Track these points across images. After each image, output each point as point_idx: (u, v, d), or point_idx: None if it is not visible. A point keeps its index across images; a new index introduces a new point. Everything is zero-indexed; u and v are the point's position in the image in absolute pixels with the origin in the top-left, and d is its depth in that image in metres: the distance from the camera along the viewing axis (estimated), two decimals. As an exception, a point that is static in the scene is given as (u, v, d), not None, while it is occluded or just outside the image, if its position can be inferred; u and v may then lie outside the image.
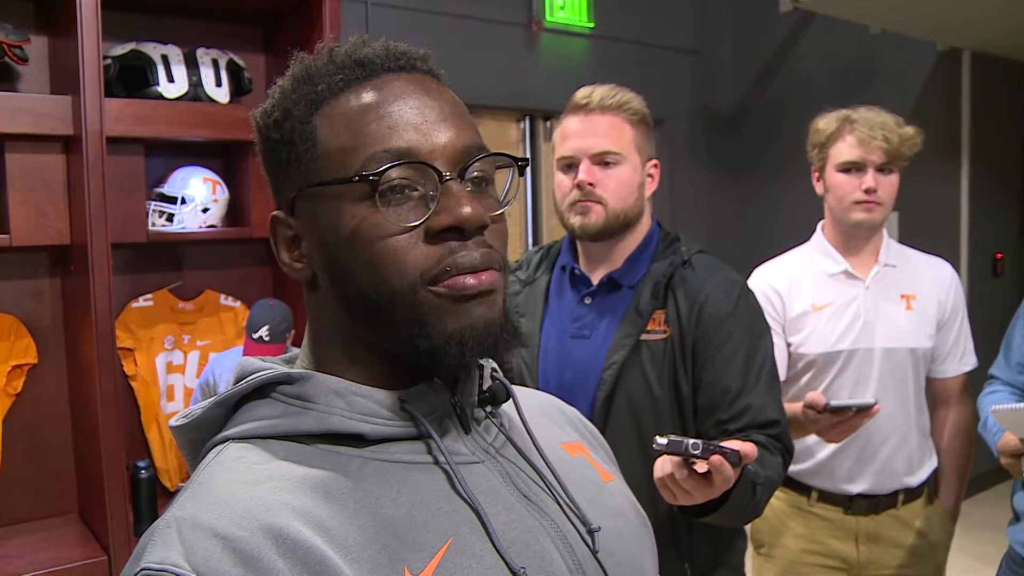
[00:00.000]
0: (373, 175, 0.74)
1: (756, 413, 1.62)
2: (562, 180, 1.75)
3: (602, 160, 1.70)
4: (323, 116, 0.78)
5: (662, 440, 1.28)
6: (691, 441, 1.28)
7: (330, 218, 0.77)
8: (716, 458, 1.29)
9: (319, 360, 0.82)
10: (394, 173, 0.74)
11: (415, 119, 0.77)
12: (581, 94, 1.75)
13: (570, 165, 1.74)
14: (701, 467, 1.33)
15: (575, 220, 1.73)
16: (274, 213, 0.83)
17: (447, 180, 0.75)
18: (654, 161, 1.79)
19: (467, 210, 0.74)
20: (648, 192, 1.78)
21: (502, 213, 0.80)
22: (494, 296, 0.77)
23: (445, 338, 0.75)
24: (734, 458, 1.31)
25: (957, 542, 2.35)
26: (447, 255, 0.74)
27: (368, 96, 0.78)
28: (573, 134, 1.73)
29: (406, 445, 0.78)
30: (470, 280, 0.75)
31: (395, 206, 0.75)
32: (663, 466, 1.39)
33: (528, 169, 5.21)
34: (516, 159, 0.83)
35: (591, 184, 1.70)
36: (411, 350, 0.76)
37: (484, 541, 0.74)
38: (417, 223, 0.75)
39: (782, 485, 2.22)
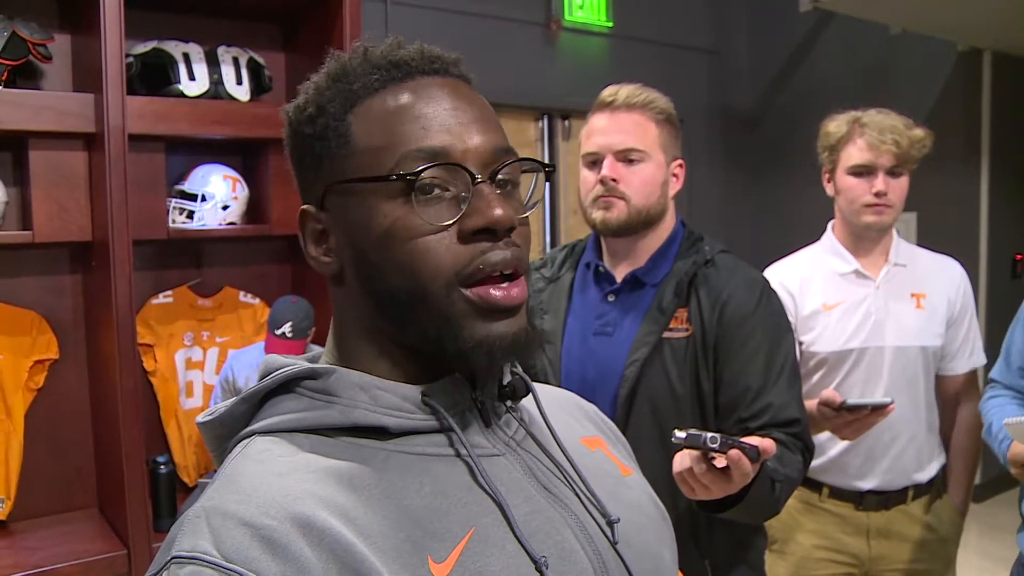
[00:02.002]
0: (410, 175, 0.75)
1: (777, 411, 1.63)
2: (587, 176, 1.77)
3: (626, 157, 1.72)
4: (358, 114, 0.79)
5: (681, 434, 1.29)
6: (709, 435, 1.29)
7: (361, 215, 0.78)
8: (734, 452, 1.30)
9: (344, 353, 0.84)
10: (428, 173, 0.76)
11: (449, 121, 0.78)
12: (607, 92, 1.77)
13: (595, 161, 1.75)
14: (720, 461, 1.34)
15: (597, 215, 1.74)
16: (303, 207, 0.84)
17: (479, 182, 0.77)
18: (679, 161, 1.80)
19: (499, 212, 0.75)
20: (672, 191, 1.79)
21: (526, 216, 0.82)
22: (522, 308, 0.79)
23: (474, 344, 0.76)
24: (753, 453, 1.31)
25: (973, 544, 2.34)
26: (479, 255, 0.76)
27: (404, 97, 0.79)
28: (598, 131, 1.75)
29: (428, 438, 0.80)
30: (499, 294, 0.76)
31: (428, 206, 0.76)
32: (682, 460, 1.40)
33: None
34: (543, 164, 0.85)
35: (614, 180, 1.71)
36: (438, 349, 0.78)
37: (506, 531, 0.75)
38: (450, 222, 0.76)
39: None
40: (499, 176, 0.79)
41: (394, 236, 0.76)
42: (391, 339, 0.81)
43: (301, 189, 0.86)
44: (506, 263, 0.77)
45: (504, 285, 0.77)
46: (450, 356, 0.78)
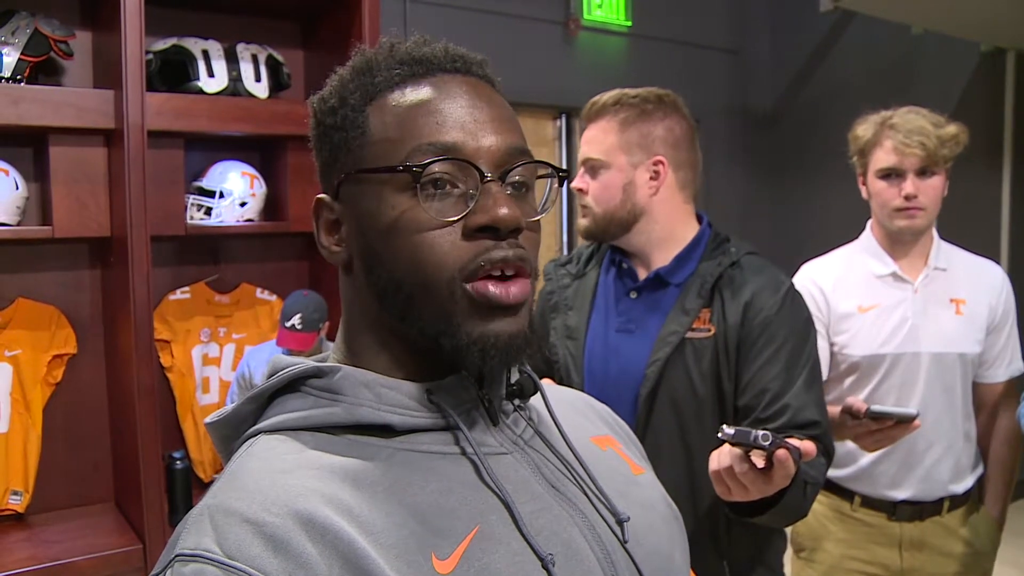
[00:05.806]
0: (416, 166, 0.76)
1: (795, 413, 1.59)
2: None
3: (591, 167, 1.76)
4: (376, 107, 0.80)
5: (729, 430, 1.22)
6: (760, 432, 1.22)
7: (371, 205, 0.79)
8: (782, 452, 1.23)
9: (351, 346, 0.84)
10: (437, 167, 0.76)
11: (464, 118, 0.78)
12: (588, 103, 1.81)
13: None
14: (759, 461, 1.28)
15: (579, 223, 1.83)
16: (319, 196, 0.85)
17: (487, 181, 0.77)
18: (656, 158, 1.73)
19: (504, 211, 0.75)
20: (647, 191, 1.73)
21: (537, 220, 0.82)
22: (522, 309, 0.78)
23: (470, 341, 0.76)
24: (795, 454, 1.25)
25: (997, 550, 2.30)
26: (482, 251, 0.76)
27: (422, 92, 0.80)
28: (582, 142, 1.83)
29: (434, 436, 0.79)
30: (499, 291, 0.76)
31: (436, 200, 0.77)
32: (720, 459, 1.34)
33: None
34: (558, 170, 0.84)
35: (580, 191, 1.77)
36: (435, 344, 0.78)
37: (511, 529, 0.75)
38: (455, 219, 0.76)
39: (824, 489, 2.17)
40: (513, 177, 0.79)
41: (400, 228, 0.77)
42: (392, 331, 0.81)
43: (321, 179, 0.87)
44: (507, 261, 0.76)
45: (503, 282, 0.77)
46: (447, 352, 0.77)
